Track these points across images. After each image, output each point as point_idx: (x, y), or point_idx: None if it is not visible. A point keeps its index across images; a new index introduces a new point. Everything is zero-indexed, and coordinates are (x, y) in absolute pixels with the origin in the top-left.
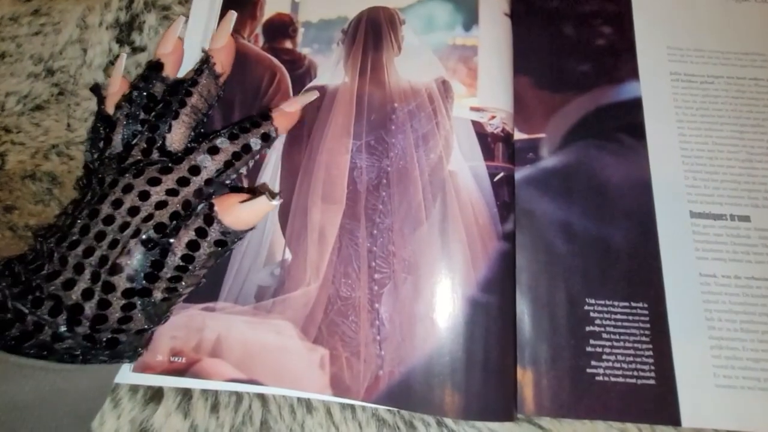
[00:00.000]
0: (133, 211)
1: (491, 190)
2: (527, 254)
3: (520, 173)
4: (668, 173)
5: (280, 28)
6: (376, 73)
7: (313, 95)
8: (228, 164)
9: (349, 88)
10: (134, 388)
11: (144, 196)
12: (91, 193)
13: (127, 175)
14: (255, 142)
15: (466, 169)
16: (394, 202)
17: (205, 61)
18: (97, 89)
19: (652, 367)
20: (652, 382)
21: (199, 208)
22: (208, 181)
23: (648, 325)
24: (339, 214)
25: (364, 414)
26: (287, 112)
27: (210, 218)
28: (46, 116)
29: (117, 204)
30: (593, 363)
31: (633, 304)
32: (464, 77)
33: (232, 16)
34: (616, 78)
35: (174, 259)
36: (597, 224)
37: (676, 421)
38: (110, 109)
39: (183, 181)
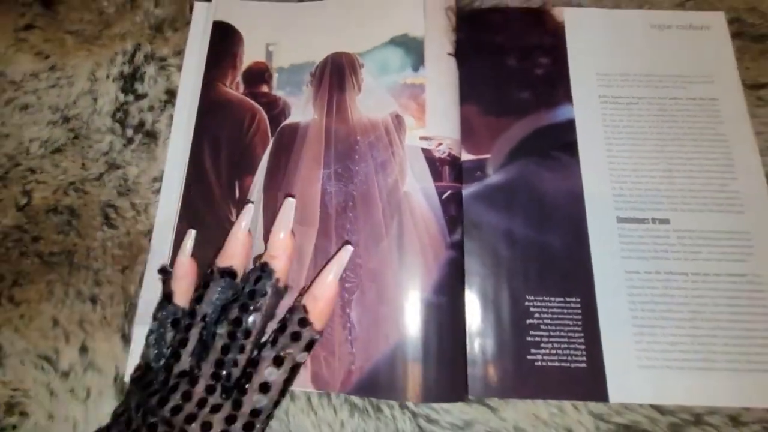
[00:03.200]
0: None
1: (440, 206)
2: (476, 260)
3: (469, 190)
4: (598, 184)
5: (258, 75)
6: (340, 111)
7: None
8: (282, 393)
9: (318, 124)
10: None
11: None
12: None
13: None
14: (302, 357)
15: (418, 190)
16: (359, 222)
17: (266, 272)
18: (164, 272)
19: (584, 353)
20: (583, 365)
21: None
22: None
23: (580, 317)
24: (314, 234)
25: (338, 400)
26: (323, 299)
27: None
28: (64, 158)
29: None
30: (533, 351)
31: (567, 299)
32: (414, 111)
33: (291, 205)
34: (552, 102)
35: None
36: (536, 231)
37: (604, 397)
38: (180, 298)
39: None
